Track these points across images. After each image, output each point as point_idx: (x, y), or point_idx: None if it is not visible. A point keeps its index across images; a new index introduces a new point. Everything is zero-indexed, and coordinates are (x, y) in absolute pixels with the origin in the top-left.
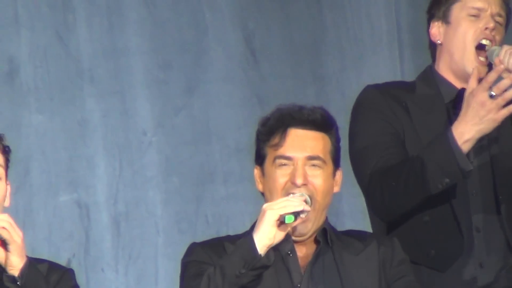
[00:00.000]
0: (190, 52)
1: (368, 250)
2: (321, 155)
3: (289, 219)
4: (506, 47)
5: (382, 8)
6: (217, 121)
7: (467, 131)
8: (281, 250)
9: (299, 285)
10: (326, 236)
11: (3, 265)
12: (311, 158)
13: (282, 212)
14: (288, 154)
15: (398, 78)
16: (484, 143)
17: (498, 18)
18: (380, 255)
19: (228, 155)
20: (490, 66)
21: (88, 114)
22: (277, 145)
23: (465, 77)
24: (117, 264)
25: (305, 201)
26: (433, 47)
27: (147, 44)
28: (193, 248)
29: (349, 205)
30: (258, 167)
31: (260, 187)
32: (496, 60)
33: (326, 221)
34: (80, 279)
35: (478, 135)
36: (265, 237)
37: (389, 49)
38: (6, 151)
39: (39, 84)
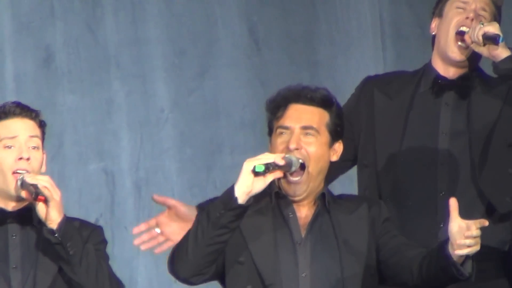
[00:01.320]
0: (202, 41)
1: (360, 210)
2: (314, 126)
3: (258, 168)
4: (473, 25)
5: (367, 4)
6: (224, 100)
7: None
8: (283, 212)
9: (299, 242)
10: (324, 199)
11: (43, 220)
12: (305, 127)
13: (256, 163)
14: (286, 124)
15: (381, 64)
16: (462, 116)
17: (481, 12)
18: (370, 214)
19: (234, 129)
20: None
21: (113, 94)
22: (279, 117)
23: (449, 62)
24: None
25: (287, 159)
26: (432, 41)
27: (165, 34)
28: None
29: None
30: (270, 138)
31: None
32: (466, 37)
33: (325, 186)
34: (106, 235)
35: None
36: (242, 184)
37: (373, 39)
38: (42, 125)
39: (71, 69)
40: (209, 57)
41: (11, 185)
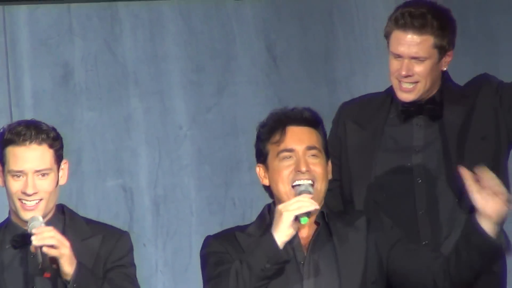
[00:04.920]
0: (220, 58)
1: (358, 222)
2: (317, 146)
3: (303, 221)
4: None
5: (386, 21)
6: (243, 117)
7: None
8: None
9: (302, 262)
10: (324, 217)
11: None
12: (310, 148)
13: (297, 213)
14: (290, 146)
15: None
16: (434, 128)
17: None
18: (369, 226)
19: (252, 146)
20: None
21: (132, 111)
22: (279, 141)
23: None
24: (157, 240)
25: (310, 194)
26: None
27: (183, 51)
28: (208, 241)
29: None
30: (261, 165)
31: (265, 181)
32: None
33: (324, 204)
34: None
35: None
36: (283, 235)
37: None
38: (54, 145)
39: (90, 86)
40: (227, 74)
41: (20, 211)
